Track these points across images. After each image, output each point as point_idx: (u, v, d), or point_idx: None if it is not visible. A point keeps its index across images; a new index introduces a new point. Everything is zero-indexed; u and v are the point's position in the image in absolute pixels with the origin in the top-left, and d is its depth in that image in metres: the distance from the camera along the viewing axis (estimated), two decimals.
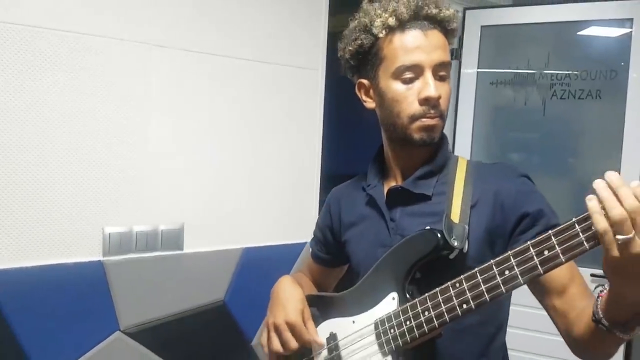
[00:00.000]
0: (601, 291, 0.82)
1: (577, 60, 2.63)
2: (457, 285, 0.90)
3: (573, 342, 0.94)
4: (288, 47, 2.03)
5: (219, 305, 1.86)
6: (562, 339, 0.98)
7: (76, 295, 1.55)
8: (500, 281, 0.84)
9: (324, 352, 1.14)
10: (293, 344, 1.11)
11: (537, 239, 0.79)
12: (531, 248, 0.80)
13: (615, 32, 2.55)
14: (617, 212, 0.68)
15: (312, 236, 1.37)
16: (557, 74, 2.65)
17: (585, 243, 0.73)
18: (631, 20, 2.48)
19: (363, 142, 3.11)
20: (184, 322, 1.76)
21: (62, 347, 1.53)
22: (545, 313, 1.01)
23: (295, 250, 2.07)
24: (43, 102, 1.49)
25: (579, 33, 2.62)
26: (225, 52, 1.86)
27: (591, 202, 0.71)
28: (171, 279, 1.74)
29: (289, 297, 1.17)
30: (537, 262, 0.79)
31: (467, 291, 0.88)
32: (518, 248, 0.82)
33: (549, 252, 0.77)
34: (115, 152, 1.63)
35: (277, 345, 1.13)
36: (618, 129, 2.47)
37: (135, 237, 1.67)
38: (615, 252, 0.70)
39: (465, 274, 0.89)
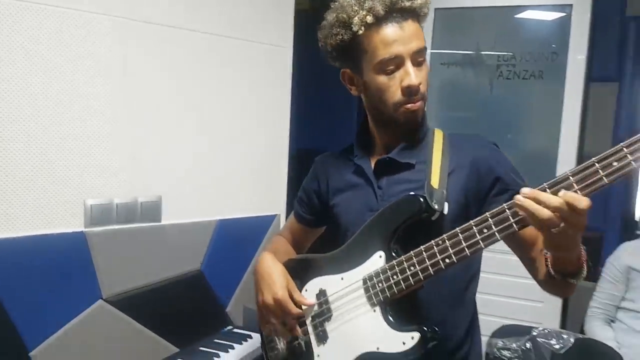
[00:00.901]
0: (546, 253, 1.01)
1: (522, 43, 2.83)
2: (440, 242, 1.03)
3: (541, 283, 1.12)
4: (259, 24, 2.08)
5: (195, 274, 1.93)
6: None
7: (60, 265, 1.59)
8: (479, 238, 0.97)
9: (315, 308, 1.26)
10: (286, 317, 1.24)
11: (512, 202, 0.92)
12: (507, 210, 0.94)
13: (556, 16, 2.76)
14: (545, 213, 0.86)
15: (297, 199, 1.47)
16: (503, 55, 2.84)
17: None
18: (571, 5, 2.70)
19: (330, 119, 3.25)
20: (162, 291, 1.82)
21: (47, 316, 1.56)
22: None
23: (266, 222, 2.16)
24: (20, 77, 1.50)
25: (524, 17, 2.82)
26: (200, 27, 1.90)
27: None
28: (150, 249, 1.80)
29: (273, 275, 1.28)
30: (513, 222, 0.93)
31: (449, 248, 1.01)
32: (494, 210, 0.96)
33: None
34: (94, 126, 1.66)
35: (270, 320, 1.26)
36: (558, 107, 2.70)
37: (116, 208, 1.71)
38: (552, 238, 0.89)
39: (448, 233, 1.02)
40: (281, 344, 1.33)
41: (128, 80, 1.73)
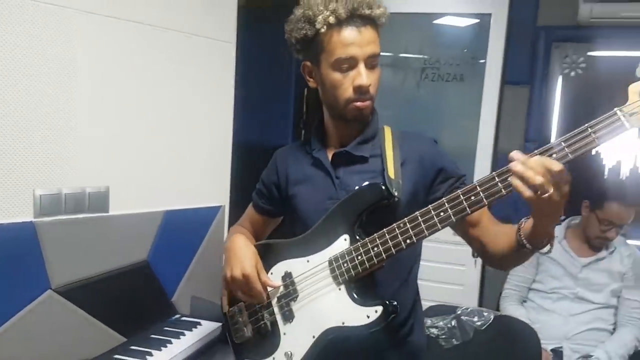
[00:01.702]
0: (520, 224, 1.13)
1: (445, 48, 3.06)
2: (402, 225, 1.16)
3: (489, 257, 1.27)
4: (205, 19, 2.12)
5: (142, 264, 1.94)
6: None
7: (8, 256, 1.55)
8: (437, 220, 1.11)
9: (281, 289, 1.35)
10: (249, 293, 1.32)
11: (465, 189, 1.08)
12: (461, 196, 1.08)
13: (477, 24, 3.01)
14: (538, 179, 0.96)
15: (256, 190, 1.55)
16: (428, 58, 3.06)
17: (503, 190, 1.04)
18: (489, 14, 2.95)
19: (272, 114, 3.32)
20: (110, 281, 1.82)
21: None
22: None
23: (211, 213, 2.21)
24: None
25: (448, 24, 3.04)
26: (145, 19, 1.90)
27: (515, 181, 0.99)
28: (98, 239, 1.79)
29: (244, 252, 1.37)
30: (466, 205, 1.07)
31: (410, 230, 1.14)
32: (450, 196, 1.10)
33: (475, 197, 1.06)
34: (42, 117, 1.63)
35: (237, 294, 1.33)
36: (477, 108, 2.96)
37: (64, 199, 1.69)
38: (541, 204, 0.99)
39: (408, 217, 1.15)
40: (246, 325, 1.40)
41: (74, 72, 1.71)
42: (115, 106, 1.84)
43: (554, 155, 0.99)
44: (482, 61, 2.95)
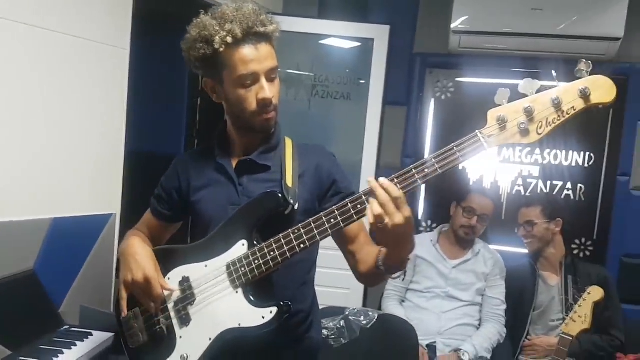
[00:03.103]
0: (381, 249, 1.27)
1: (334, 67, 3.25)
2: (296, 231, 1.24)
3: (359, 274, 1.41)
4: (98, 25, 2.10)
5: (28, 274, 1.87)
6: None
7: None
8: (327, 226, 1.21)
9: (177, 293, 1.38)
10: (148, 295, 1.35)
11: (352, 198, 1.19)
12: (349, 204, 1.19)
13: (362, 47, 3.25)
14: (378, 211, 1.10)
15: (155, 196, 1.56)
16: (319, 76, 3.25)
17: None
18: (372, 40, 3.20)
19: (165, 124, 3.28)
20: None
21: None
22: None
23: (101, 221, 2.17)
24: None
25: (337, 46, 3.25)
26: (36, 22, 1.87)
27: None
28: None
29: (143, 254, 1.40)
30: (353, 213, 1.19)
31: (303, 235, 1.24)
32: (340, 204, 1.21)
33: (361, 206, 1.18)
34: None
35: (140, 297, 1.36)
36: (362, 124, 3.18)
37: None
38: (383, 232, 1.12)
39: (302, 224, 1.24)
40: (142, 331, 1.41)
41: None
42: (1, 110, 1.78)
43: (426, 170, 1.14)
44: (365, 84, 3.19)
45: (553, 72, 1.12)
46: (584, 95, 1.07)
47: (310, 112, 3.24)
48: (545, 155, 3.15)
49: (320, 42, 3.24)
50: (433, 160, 1.14)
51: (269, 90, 1.33)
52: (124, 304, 1.43)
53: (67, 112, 2.01)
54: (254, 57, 1.31)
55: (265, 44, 1.34)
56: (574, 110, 1.08)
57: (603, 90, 1.07)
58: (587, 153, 3.10)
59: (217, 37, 1.28)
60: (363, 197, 1.18)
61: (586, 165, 3.11)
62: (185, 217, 1.57)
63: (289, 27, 3.16)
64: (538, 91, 1.10)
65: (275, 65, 1.36)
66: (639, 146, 3.01)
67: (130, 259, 1.39)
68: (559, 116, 1.09)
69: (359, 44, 3.24)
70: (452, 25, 2.93)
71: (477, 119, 1.18)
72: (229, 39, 1.28)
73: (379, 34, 3.15)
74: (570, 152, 3.12)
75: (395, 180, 1.14)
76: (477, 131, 1.12)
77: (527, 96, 1.10)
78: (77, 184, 2.07)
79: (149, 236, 1.57)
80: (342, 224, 1.21)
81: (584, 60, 1.08)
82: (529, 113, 1.09)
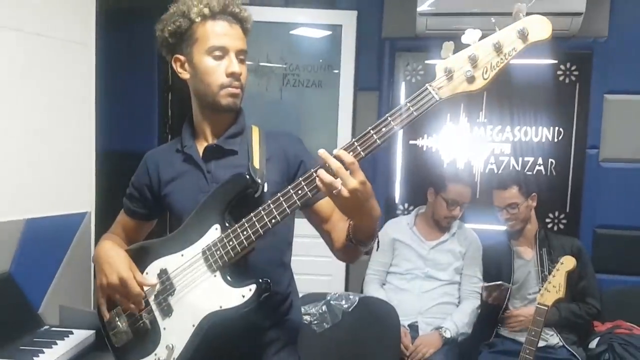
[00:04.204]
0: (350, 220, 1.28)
1: (303, 56, 3.26)
2: (266, 208, 1.25)
3: (336, 252, 1.42)
4: (62, 22, 2.09)
5: (4, 277, 1.86)
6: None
7: None
8: (296, 198, 1.22)
9: (157, 286, 1.39)
10: (126, 296, 1.35)
11: (315, 168, 1.18)
12: (314, 173, 1.19)
13: (330, 35, 3.26)
14: (327, 178, 1.12)
15: (127, 195, 1.56)
16: (289, 66, 3.25)
17: None
18: (340, 26, 3.21)
19: (137, 121, 3.26)
20: None
21: None
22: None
23: (76, 220, 2.16)
24: None
25: (305, 34, 3.26)
26: (5, 23, 1.85)
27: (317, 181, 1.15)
28: None
29: (115, 257, 1.40)
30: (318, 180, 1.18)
31: (273, 210, 1.24)
32: (305, 175, 1.21)
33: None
34: None
35: (117, 300, 1.36)
36: (334, 111, 3.20)
37: None
38: (338, 200, 1.14)
39: (271, 200, 1.25)
40: (125, 328, 1.42)
41: None
42: None
43: (384, 129, 1.15)
44: (336, 71, 3.21)
45: (492, 19, 1.14)
46: (523, 35, 1.11)
47: (282, 101, 3.25)
48: (515, 132, 3.20)
49: (289, 31, 3.25)
50: (389, 118, 1.16)
51: (237, 65, 1.37)
52: (104, 309, 1.44)
53: (35, 111, 2.00)
54: (227, 32, 1.37)
55: (239, 27, 1.40)
56: (515, 51, 1.12)
57: (539, 27, 1.11)
58: (557, 128, 3.16)
59: (195, 9, 1.35)
60: (320, 167, 1.17)
61: (556, 140, 3.16)
62: (159, 214, 1.57)
63: (256, 17, 3.16)
64: (480, 40, 1.14)
65: (245, 48, 1.40)
66: (606, 118, 3.07)
67: (103, 263, 1.39)
68: (501, 59, 1.13)
69: (328, 32, 3.25)
70: (419, 8, 2.95)
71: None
72: (206, 11, 1.35)
73: (347, 20, 3.17)
74: (540, 127, 3.17)
75: (356, 144, 1.16)
76: (426, 85, 1.16)
77: (470, 46, 1.14)
78: (49, 184, 2.06)
79: (124, 237, 1.57)
80: (309, 194, 1.21)
81: (519, 4, 1.11)
82: (473, 60, 1.13)
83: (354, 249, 1.32)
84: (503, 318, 2.71)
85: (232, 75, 1.36)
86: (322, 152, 1.15)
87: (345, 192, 1.12)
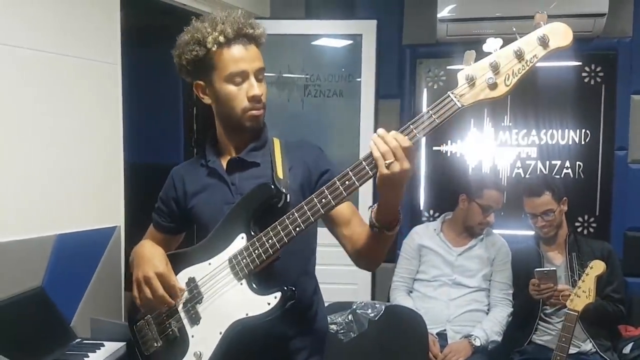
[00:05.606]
0: (372, 207, 1.29)
1: (324, 66, 3.29)
2: (290, 216, 1.28)
3: (355, 253, 1.41)
4: (88, 42, 2.14)
5: (37, 291, 1.91)
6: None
7: None
8: (319, 206, 1.24)
9: (186, 294, 1.41)
10: (161, 290, 1.37)
11: (340, 175, 1.22)
12: (337, 181, 1.22)
13: (351, 45, 3.28)
14: (382, 147, 1.16)
15: (155, 210, 1.59)
16: (310, 76, 3.28)
17: (369, 172, 1.20)
18: (360, 35, 3.23)
19: (164, 135, 3.33)
20: (5, 310, 1.77)
21: None
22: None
23: (106, 234, 2.21)
24: None
25: (326, 45, 3.29)
26: (28, 44, 1.91)
27: (371, 142, 1.18)
28: None
29: (153, 253, 1.43)
30: (342, 189, 1.22)
31: (297, 218, 1.27)
32: (328, 183, 1.24)
33: (348, 182, 1.21)
34: None
35: (148, 293, 1.38)
36: (356, 120, 3.21)
37: None
38: (384, 171, 1.16)
39: (295, 208, 1.27)
40: (155, 336, 1.44)
41: None
42: (2, 130, 1.82)
43: (409, 135, 1.18)
44: (358, 80, 3.22)
45: (513, 28, 1.16)
46: (543, 42, 1.12)
47: (304, 112, 3.27)
48: (541, 135, 3.16)
49: (311, 42, 3.27)
50: (411, 126, 1.18)
51: (258, 88, 1.39)
52: (138, 301, 1.43)
53: (64, 129, 2.05)
54: (244, 56, 1.38)
55: (254, 46, 1.41)
56: (536, 58, 1.13)
57: (560, 34, 1.11)
58: (583, 130, 3.11)
59: (210, 37, 1.36)
60: (350, 172, 1.21)
61: (583, 142, 3.11)
62: (186, 227, 1.60)
63: (277, 30, 3.21)
64: (501, 48, 1.15)
65: (263, 67, 1.42)
66: (633, 119, 3.01)
67: (141, 258, 1.43)
68: (523, 66, 1.13)
69: (349, 41, 3.27)
70: (439, 14, 2.95)
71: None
72: (221, 38, 1.36)
73: (367, 29, 3.18)
74: (566, 130, 3.13)
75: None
76: (448, 92, 1.17)
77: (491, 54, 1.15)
78: (79, 200, 2.11)
79: None
80: (333, 202, 1.23)
81: (539, 12, 1.12)
82: (495, 67, 1.14)
83: (378, 238, 1.31)
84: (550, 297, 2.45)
85: (254, 98, 1.39)
86: (379, 131, 1.18)
87: (397, 171, 1.15)
